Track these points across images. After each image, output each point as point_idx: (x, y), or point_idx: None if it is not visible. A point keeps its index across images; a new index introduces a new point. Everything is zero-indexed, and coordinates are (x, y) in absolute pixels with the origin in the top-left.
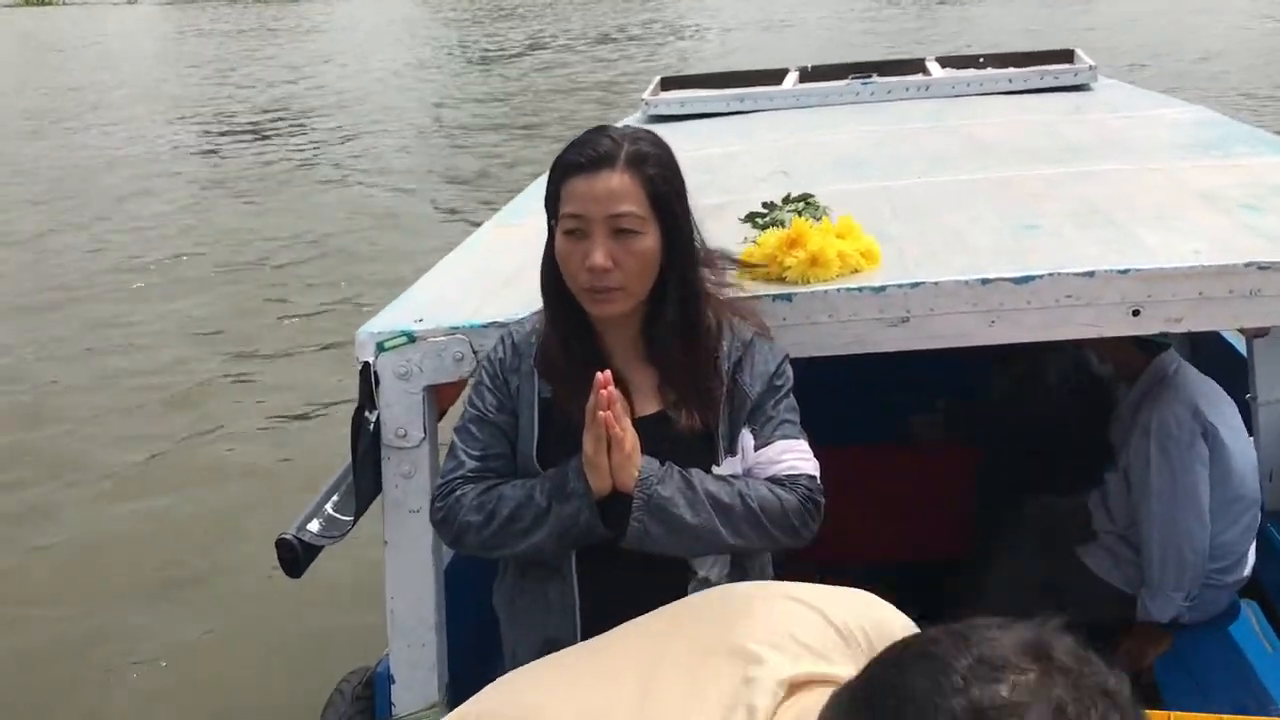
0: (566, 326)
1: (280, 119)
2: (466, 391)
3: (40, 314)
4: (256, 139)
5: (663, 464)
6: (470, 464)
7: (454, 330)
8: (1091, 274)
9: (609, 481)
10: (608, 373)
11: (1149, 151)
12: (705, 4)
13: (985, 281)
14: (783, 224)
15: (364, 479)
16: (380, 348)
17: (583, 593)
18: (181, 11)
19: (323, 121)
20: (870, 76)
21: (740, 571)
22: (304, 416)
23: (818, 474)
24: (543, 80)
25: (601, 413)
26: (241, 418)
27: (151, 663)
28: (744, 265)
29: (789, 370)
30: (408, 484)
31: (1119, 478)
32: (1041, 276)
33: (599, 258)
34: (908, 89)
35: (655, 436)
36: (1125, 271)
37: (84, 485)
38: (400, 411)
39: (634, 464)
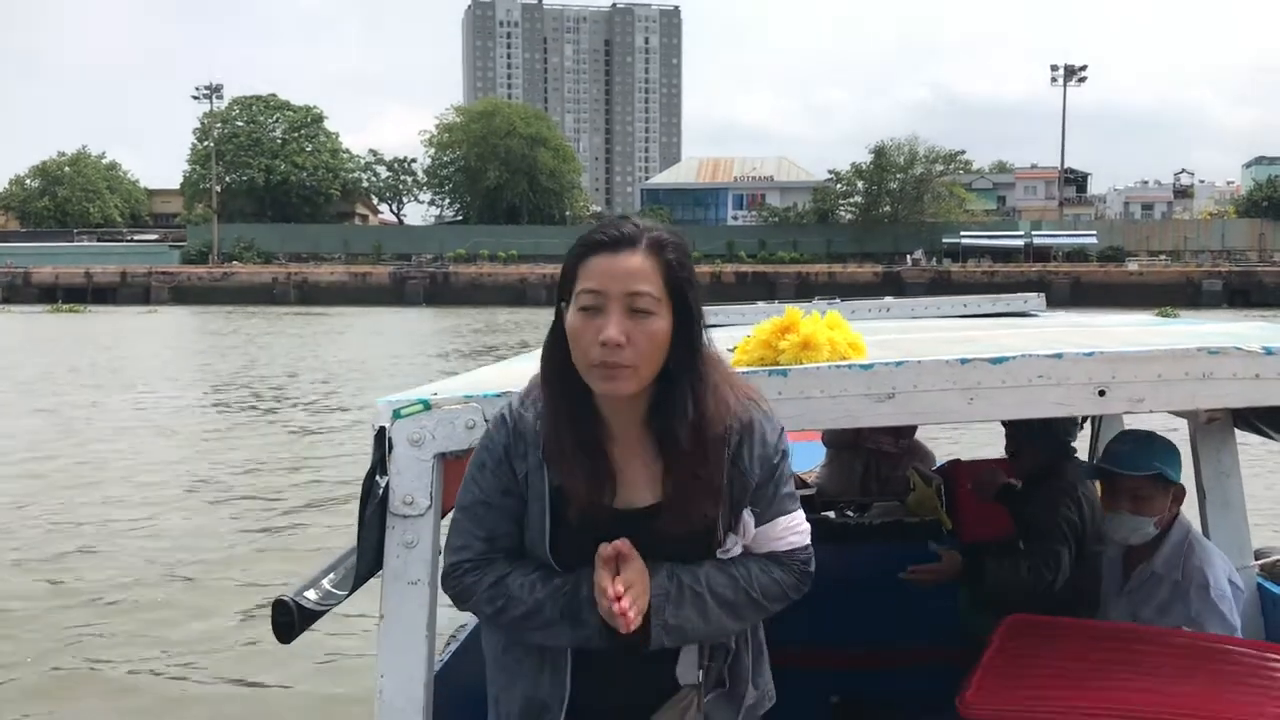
0: (569, 408)
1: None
2: (468, 470)
3: None
4: None
5: (662, 565)
6: (478, 546)
7: (468, 399)
8: (1060, 355)
9: None
10: (618, 543)
11: (1106, 326)
12: None
13: (964, 361)
14: None
15: (367, 546)
16: (396, 414)
17: (575, 654)
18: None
19: None
20: (834, 300)
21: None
22: None
23: (809, 541)
24: None
25: (611, 596)
26: None
27: None
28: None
29: (786, 444)
30: (409, 554)
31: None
32: (1015, 358)
33: (614, 331)
34: (870, 310)
35: (652, 527)
36: (1091, 354)
37: None
38: (410, 478)
39: (645, 599)
